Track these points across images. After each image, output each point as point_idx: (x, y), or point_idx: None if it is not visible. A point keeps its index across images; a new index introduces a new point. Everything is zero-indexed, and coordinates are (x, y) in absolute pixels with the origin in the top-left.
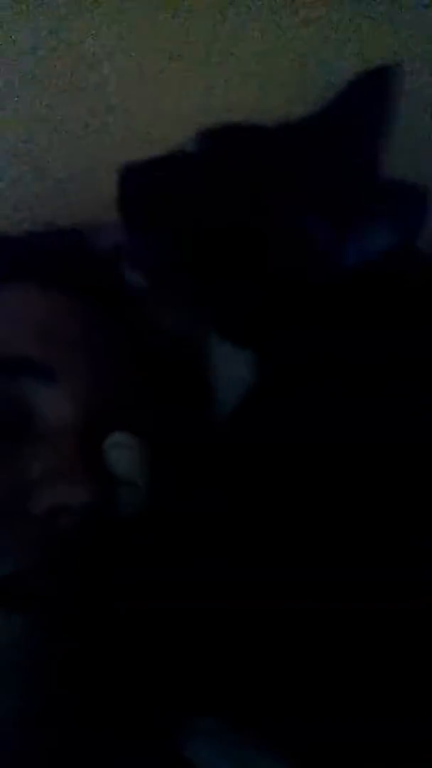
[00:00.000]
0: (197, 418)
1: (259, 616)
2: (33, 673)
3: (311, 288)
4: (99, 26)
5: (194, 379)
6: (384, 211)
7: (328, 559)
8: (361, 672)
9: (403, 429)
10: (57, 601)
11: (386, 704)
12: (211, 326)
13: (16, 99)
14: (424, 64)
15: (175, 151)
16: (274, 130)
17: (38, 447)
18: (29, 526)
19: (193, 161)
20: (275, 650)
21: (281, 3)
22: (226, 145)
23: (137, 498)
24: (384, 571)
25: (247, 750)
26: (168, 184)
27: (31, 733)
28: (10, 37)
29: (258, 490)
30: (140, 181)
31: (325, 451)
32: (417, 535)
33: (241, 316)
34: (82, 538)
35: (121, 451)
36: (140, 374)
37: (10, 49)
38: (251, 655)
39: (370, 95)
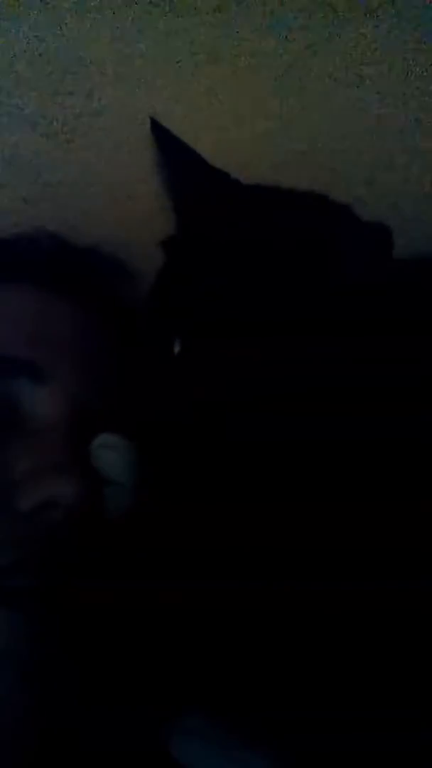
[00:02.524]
0: None
1: (249, 613)
2: (24, 669)
3: None
4: (89, 30)
5: None
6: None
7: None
8: (351, 669)
9: None
10: (46, 597)
11: (379, 703)
12: None
13: (6, 103)
14: None
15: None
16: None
17: (27, 444)
18: (18, 521)
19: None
20: (265, 647)
21: (275, 7)
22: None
23: (124, 498)
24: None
25: (236, 749)
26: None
27: (24, 728)
28: (1, 40)
29: None
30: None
31: None
32: None
33: None
34: (72, 534)
35: (108, 452)
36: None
37: (1, 52)
38: (241, 653)
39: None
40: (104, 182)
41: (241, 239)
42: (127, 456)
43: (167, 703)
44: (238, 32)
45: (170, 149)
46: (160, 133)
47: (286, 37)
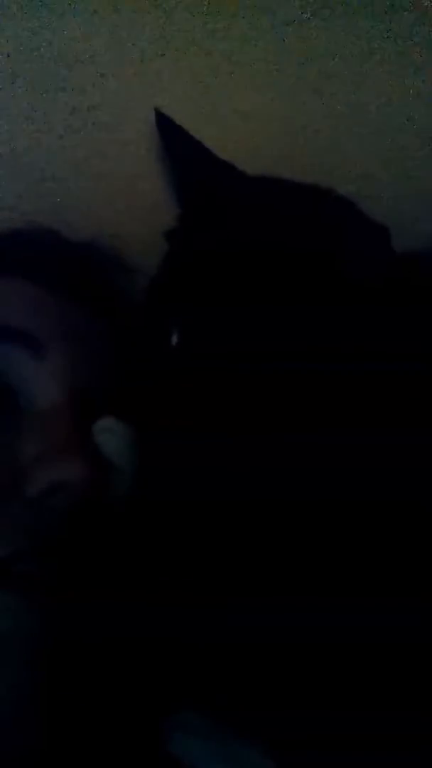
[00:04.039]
0: None
1: (244, 607)
2: (28, 657)
3: None
4: (82, 26)
5: None
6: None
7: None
8: (344, 664)
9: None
10: (53, 583)
11: (370, 697)
12: None
13: (0, 98)
14: None
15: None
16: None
17: (32, 428)
18: (26, 506)
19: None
20: (260, 643)
21: (274, 3)
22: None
23: (125, 482)
24: None
25: (232, 744)
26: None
27: (22, 717)
28: None
29: None
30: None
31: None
32: None
33: None
34: (78, 518)
35: (109, 436)
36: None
37: None
38: (236, 648)
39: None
40: (100, 178)
41: (246, 230)
42: (127, 441)
43: (165, 699)
44: (233, 27)
45: (175, 140)
46: (164, 123)
47: (284, 34)
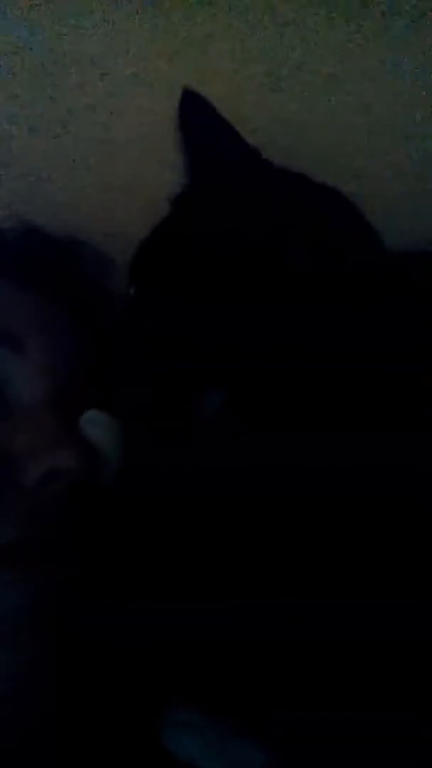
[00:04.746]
0: None
1: (243, 603)
2: (25, 645)
3: None
4: (79, 27)
5: None
6: None
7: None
8: (340, 661)
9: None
10: (55, 569)
11: (367, 694)
12: None
13: None
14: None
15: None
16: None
17: (20, 420)
18: (24, 495)
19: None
20: (257, 637)
21: (266, 4)
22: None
23: (110, 471)
24: None
25: (229, 741)
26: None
27: (21, 706)
28: None
29: None
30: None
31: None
32: None
33: None
34: (74, 505)
35: (95, 428)
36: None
37: None
38: (233, 644)
39: None
40: (95, 177)
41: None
42: (112, 432)
43: (161, 697)
44: (230, 26)
45: (203, 117)
46: (192, 100)
47: (280, 32)
